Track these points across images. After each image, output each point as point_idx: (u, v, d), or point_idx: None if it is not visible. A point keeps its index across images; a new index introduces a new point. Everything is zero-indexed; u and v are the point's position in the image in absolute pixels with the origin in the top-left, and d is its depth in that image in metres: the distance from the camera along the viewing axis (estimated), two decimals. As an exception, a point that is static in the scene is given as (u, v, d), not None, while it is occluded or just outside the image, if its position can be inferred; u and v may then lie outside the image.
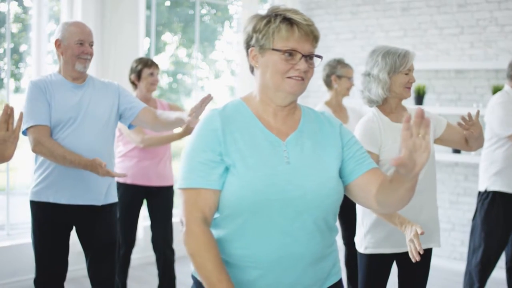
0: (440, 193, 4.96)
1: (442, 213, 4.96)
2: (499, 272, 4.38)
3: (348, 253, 3.89)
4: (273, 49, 1.48)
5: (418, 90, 4.84)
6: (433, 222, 2.46)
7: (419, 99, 4.84)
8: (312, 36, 1.49)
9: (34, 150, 2.55)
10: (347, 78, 3.81)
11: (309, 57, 1.49)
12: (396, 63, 2.36)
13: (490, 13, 4.74)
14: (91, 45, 2.64)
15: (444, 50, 4.96)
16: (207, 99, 2.93)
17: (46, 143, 2.50)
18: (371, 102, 2.44)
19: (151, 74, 3.52)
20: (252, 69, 1.58)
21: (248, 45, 1.54)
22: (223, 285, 1.39)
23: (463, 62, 4.80)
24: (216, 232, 1.50)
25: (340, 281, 1.62)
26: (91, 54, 2.64)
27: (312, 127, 1.57)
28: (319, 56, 1.52)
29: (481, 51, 4.77)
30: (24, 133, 2.57)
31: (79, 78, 2.66)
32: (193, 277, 1.58)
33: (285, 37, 1.47)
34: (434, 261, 4.86)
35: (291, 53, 1.47)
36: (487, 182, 3.45)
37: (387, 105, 2.43)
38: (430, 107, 4.75)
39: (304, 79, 1.50)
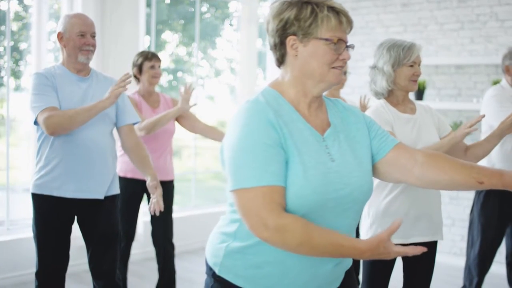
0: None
1: (442, 208, 4.95)
2: (499, 267, 4.38)
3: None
4: (321, 38, 1.43)
5: (418, 86, 4.82)
6: (438, 216, 2.47)
7: (419, 94, 4.84)
8: (351, 26, 1.48)
9: (50, 131, 2.46)
10: None
11: (350, 47, 1.49)
12: (400, 55, 2.38)
13: (490, 8, 4.73)
14: (93, 36, 2.63)
15: (444, 45, 4.96)
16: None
17: (56, 114, 2.45)
18: (377, 94, 2.47)
19: (152, 67, 3.50)
20: (281, 59, 1.50)
21: (285, 33, 1.46)
22: (351, 240, 1.34)
23: (463, 58, 4.80)
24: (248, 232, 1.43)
25: (352, 265, 1.63)
26: (93, 45, 2.63)
27: (338, 118, 1.56)
28: (353, 46, 1.51)
29: (481, 46, 4.77)
30: (35, 123, 2.54)
31: (83, 70, 2.66)
32: (218, 276, 1.50)
33: (334, 27, 1.44)
34: (435, 257, 4.86)
35: (336, 42, 1.44)
36: None
37: (394, 97, 2.45)
38: (430, 102, 4.75)
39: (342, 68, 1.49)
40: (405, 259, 2.48)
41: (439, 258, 4.89)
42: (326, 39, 1.43)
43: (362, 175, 1.49)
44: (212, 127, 3.58)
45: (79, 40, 2.59)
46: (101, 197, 2.63)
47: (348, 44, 1.48)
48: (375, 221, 2.40)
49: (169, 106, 3.57)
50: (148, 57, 3.50)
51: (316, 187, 1.39)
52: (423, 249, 1.34)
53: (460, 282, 4.04)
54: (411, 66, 2.39)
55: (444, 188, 1.55)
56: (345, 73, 3.81)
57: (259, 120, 1.40)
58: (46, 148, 2.58)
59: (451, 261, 4.87)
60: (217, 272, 1.50)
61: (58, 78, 2.58)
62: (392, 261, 2.44)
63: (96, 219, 2.65)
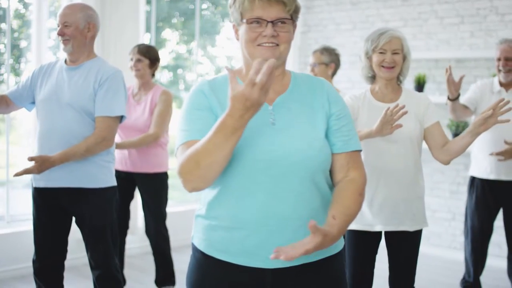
0: (440, 183, 4.96)
1: (442, 202, 4.96)
2: (499, 261, 4.38)
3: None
4: (242, 21, 1.55)
5: (418, 79, 4.84)
6: (405, 205, 2.43)
7: (420, 88, 4.83)
8: (275, 1, 1.51)
9: None
10: (310, 65, 3.83)
11: (280, 22, 1.52)
12: (369, 44, 2.48)
13: (490, 2, 4.72)
14: (65, 25, 2.60)
15: (444, 39, 4.95)
16: None
17: None
18: (366, 82, 2.60)
19: (131, 59, 3.53)
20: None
21: (231, 22, 1.61)
22: (218, 125, 1.33)
23: (463, 52, 4.79)
24: (204, 195, 1.55)
25: (339, 254, 1.59)
26: (62, 35, 2.60)
27: (302, 89, 1.60)
28: (290, 19, 1.54)
29: (481, 40, 4.76)
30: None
31: (74, 60, 2.66)
32: (192, 244, 1.64)
33: (248, 8, 1.52)
34: (434, 251, 4.87)
35: (258, 21, 1.51)
36: (470, 167, 3.58)
37: (376, 85, 2.55)
38: (430, 96, 4.74)
39: (278, 44, 1.52)
40: (389, 248, 2.52)
41: (439, 252, 4.90)
42: (246, 21, 1.53)
43: (308, 140, 1.50)
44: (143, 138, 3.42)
45: (57, 31, 2.64)
46: (71, 185, 2.58)
47: (273, 20, 1.51)
48: None
49: (153, 99, 3.49)
50: (130, 51, 3.56)
51: (240, 148, 1.44)
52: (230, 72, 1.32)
53: (461, 276, 4.05)
54: (382, 53, 2.43)
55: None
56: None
57: (194, 93, 1.56)
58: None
59: (451, 255, 4.86)
60: (192, 240, 1.63)
61: (51, 69, 2.67)
62: (367, 246, 2.47)
63: (83, 211, 2.64)
